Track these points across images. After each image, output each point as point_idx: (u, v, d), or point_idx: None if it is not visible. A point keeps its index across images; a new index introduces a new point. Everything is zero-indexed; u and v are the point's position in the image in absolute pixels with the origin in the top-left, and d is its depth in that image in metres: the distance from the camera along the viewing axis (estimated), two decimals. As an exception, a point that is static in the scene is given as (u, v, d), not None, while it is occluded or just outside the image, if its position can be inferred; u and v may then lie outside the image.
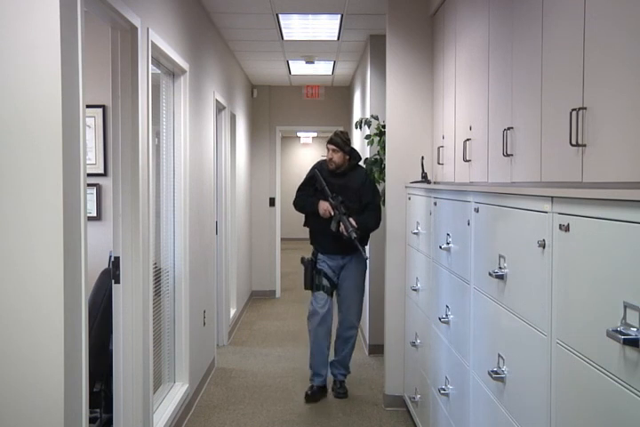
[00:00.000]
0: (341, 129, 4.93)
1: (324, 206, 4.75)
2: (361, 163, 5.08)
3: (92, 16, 2.81)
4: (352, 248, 4.72)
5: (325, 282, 4.83)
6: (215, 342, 5.66)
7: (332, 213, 4.69)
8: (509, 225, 2.17)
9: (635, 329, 1.31)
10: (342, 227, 4.64)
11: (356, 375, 5.36)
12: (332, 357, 4.99)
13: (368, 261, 6.10)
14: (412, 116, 4.48)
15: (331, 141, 4.84)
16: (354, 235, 4.59)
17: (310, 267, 4.85)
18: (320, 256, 4.87)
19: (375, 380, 5.23)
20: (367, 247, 5.05)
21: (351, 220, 4.67)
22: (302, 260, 4.92)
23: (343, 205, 4.69)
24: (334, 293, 4.93)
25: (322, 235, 4.83)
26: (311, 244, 4.95)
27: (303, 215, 5.01)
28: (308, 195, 4.91)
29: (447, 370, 3.09)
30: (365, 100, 6.41)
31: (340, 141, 4.80)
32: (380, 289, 5.39)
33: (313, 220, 4.88)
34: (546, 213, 1.79)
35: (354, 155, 4.90)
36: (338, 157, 4.82)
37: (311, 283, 4.86)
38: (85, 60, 2.41)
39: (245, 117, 8.17)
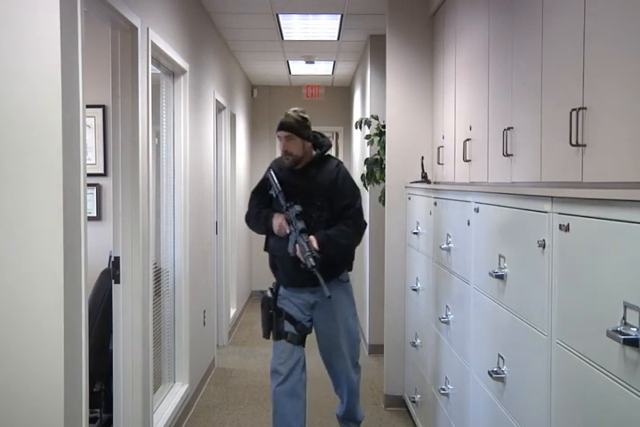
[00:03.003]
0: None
1: (278, 221, 3.37)
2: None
3: (91, 16, 2.81)
4: (338, 267, 3.46)
5: (289, 327, 3.42)
6: (215, 342, 5.66)
7: (288, 231, 3.36)
8: (509, 225, 2.17)
9: (635, 329, 1.31)
10: (298, 250, 3.29)
11: (355, 375, 5.36)
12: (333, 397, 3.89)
13: (368, 263, 6.09)
14: (411, 116, 4.48)
15: (282, 126, 3.41)
16: (311, 262, 3.21)
17: (267, 306, 3.46)
18: (282, 291, 3.48)
19: (375, 380, 5.23)
20: (351, 273, 3.67)
21: (311, 238, 3.28)
22: (261, 294, 3.59)
23: (300, 218, 3.31)
24: (314, 337, 3.59)
25: (281, 261, 3.46)
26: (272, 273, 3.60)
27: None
28: (262, 205, 3.56)
29: (447, 370, 3.09)
30: (365, 100, 6.40)
31: (295, 123, 3.39)
32: (380, 289, 5.39)
33: (272, 240, 3.52)
34: (546, 213, 1.79)
35: (320, 142, 3.50)
36: (295, 147, 3.39)
37: (269, 329, 3.45)
38: (85, 60, 2.41)
39: (245, 117, 8.17)
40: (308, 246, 3.25)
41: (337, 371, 3.60)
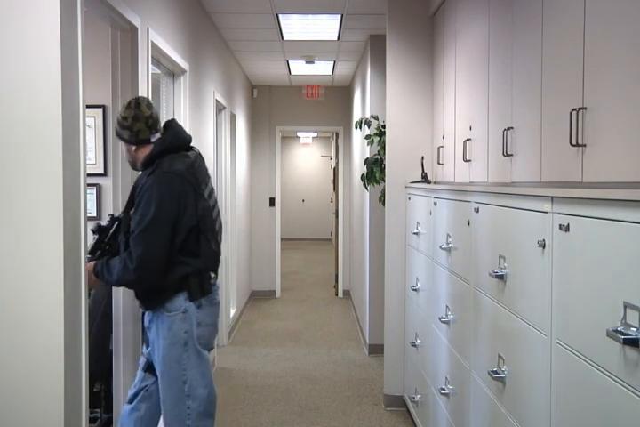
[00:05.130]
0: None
1: None
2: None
3: (91, 16, 2.81)
4: (150, 298, 2.76)
5: (144, 349, 2.93)
6: (215, 342, 5.65)
7: None
8: (509, 225, 2.17)
9: (635, 329, 1.31)
10: None
11: (356, 375, 5.37)
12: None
13: (368, 263, 6.07)
14: (411, 116, 4.48)
15: None
16: None
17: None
18: None
19: (375, 380, 5.23)
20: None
21: (91, 264, 2.70)
22: None
23: (97, 234, 2.83)
24: None
25: None
26: None
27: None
28: None
29: (447, 370, 3.09)
30: (365, 100, 6.41)
31: (116, 124, 2.80)
32: (380, 289, 5.40)
33: None
34: (546, 213, 1.79)
35: (162, 142, 2.73)
36: (124, 150, 2.84)
37: None
38: (85, 60, 2.41)
39: (245, 117, 8.17)
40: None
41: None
